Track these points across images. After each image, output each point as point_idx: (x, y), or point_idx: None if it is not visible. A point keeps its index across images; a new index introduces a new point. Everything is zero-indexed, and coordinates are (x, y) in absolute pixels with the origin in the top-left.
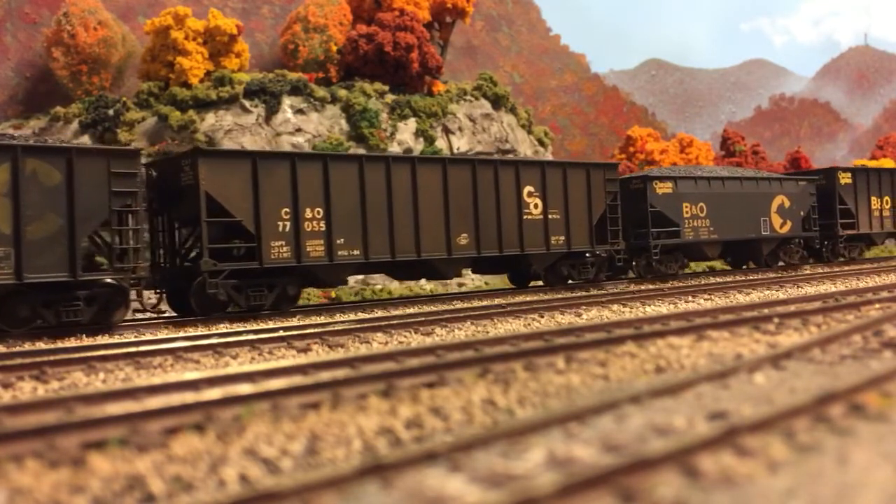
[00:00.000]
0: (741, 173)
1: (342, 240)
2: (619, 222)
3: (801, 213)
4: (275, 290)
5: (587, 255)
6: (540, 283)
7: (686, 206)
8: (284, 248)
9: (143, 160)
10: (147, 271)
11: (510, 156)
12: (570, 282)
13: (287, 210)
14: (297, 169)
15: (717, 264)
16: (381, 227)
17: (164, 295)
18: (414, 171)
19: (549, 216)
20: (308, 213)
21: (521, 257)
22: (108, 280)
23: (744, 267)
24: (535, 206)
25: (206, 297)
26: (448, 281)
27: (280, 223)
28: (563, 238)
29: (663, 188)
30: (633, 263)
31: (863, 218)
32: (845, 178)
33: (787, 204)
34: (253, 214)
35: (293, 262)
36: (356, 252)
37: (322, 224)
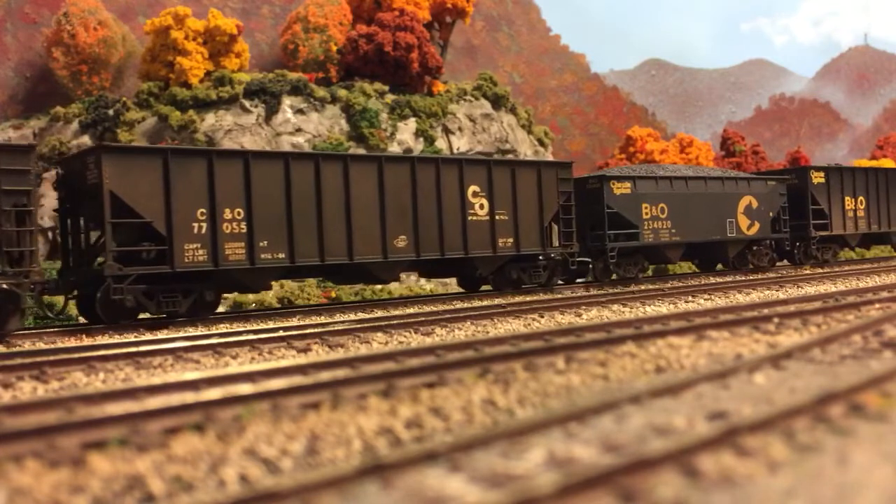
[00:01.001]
0: (706, 173)
1: (265, 242)
2: (573, 223)
3: (771, 214)
4: (190, 295)
5: (540, 257)
6: (489, 287)
7: (645, 207)
8: (200, 252)
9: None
10: (41, 275)
11: (509, 156)
12: (523, 286)
13: (203, 211)
14: (215, 167)
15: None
16: (309, 229)
17: (76, 300)
18: (346, 170)
19: (497, 217)
20: (227, 214)
21: (466, 260)
22: (3, 285)
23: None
24: (481, 206)
25: (112, 304)
26: (449, 280)
27: (195, 224)
28: (511, 240)
29: (621, 188)
30: (591, 267)
31: (836, 219)
32: (818, 178)
33: (754, 205)
34: (164, 215)
35: (209, 266)
36: (281, 255)
37: (243, 226)
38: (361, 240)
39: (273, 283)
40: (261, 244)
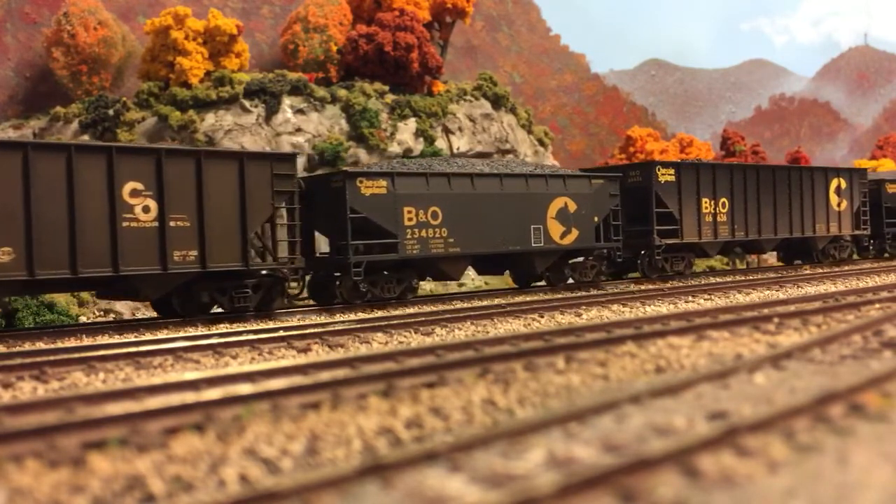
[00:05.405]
0: (505, 168)
1: None
2: (298, 231)
3: (596, 219)
4: None
5: (264, 273)
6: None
7: (408, 212)
8: None
9: None
10: None
11: (509, 156)
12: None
13: None
14: None
15: (717, 263)
16: None
17: None
18: None
19: (170, 223)
20: None
21: (119, 279)
22: None
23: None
24: (145, 209)
25: None
26: (448, 281)
27: None
28: (194, 253)
29: (372, 188)
30: (338, 285)
31: (689, 224)
32: (665, 175)
33: (571, 207)
34: None
35: None
36: None
37: None
38: None
39: None
40: None
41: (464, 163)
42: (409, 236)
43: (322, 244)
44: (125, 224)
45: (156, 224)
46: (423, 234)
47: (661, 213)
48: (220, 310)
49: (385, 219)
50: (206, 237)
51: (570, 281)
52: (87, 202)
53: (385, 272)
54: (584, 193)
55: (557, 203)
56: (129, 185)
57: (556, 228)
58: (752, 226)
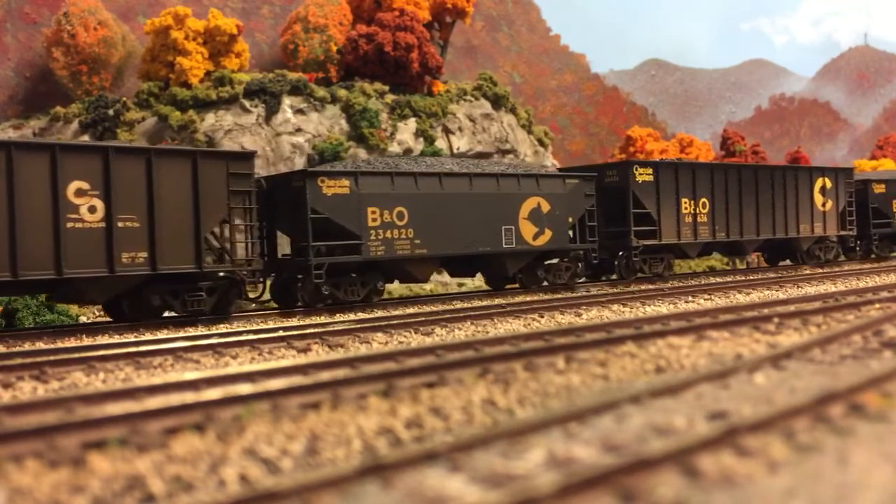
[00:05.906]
0: (476, 168)
1: None
2: (256, 232)
3: (570, 220)
4: None
5: (220, 275)
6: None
7: (372, 212)
8: None
9: None
10: None
11: (509, 156)
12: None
13: None
14: None
15: (717, 263)
16: None
17: None
18: None
19: (119, 224)
20: None
21: (62, 282)
22: None
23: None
24: (91, 209)
25: None
26: (448, 280)
27: None
28: (143, 254)
29: (334, 187)
30: (299, 287)
31: (668, 225)
32: (643, 175)
33: (545, 208)
34: None
35: None
36: None
37: None
38: None
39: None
40: None
41: (432, 162)
42: (373, 237)
43: (286, 245)
44: (70, 225)
45: (102, 225)
46: (389, 235)
47: (639, 214)
48: (172, 313)
49: (348, 219)
50: (156, 238)
51: (544, 283)
52: (29, 202)
53: (351, 274)
54: (557, 193)
55: (530, 203)
56: (75, 185)
57: (528, 229)
58: (734, 227)
